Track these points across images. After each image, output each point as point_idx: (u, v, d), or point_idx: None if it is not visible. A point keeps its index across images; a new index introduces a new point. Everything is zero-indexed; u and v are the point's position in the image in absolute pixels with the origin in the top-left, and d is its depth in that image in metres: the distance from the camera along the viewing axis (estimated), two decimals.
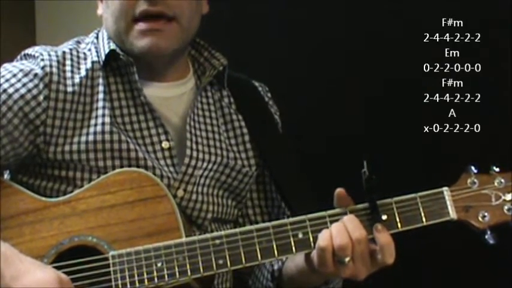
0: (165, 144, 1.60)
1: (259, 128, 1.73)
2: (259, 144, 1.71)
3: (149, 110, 1.61)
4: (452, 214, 1.45)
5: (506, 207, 1.45)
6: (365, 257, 1.41)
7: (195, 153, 1.61)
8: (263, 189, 1.75)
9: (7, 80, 1.54)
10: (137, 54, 1.59)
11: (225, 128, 1.71)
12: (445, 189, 1.46)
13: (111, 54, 1.61)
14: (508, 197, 1.45)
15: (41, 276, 1.34)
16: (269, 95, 1.81)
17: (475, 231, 1.46)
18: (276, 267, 1.59)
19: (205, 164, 1.62)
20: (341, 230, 1.40)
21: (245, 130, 1.72)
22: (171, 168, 1.59)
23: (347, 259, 1.40)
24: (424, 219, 1.45)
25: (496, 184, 1.46)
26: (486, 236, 1.44)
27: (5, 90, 1.52)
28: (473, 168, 1.48)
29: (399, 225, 1.44)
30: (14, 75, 1.55)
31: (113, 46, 1.62)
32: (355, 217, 1.43)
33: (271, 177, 1.71)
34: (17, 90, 1.53)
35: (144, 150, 1.57)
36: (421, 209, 1.45)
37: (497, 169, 1.47)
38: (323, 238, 1.41)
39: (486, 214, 1.45)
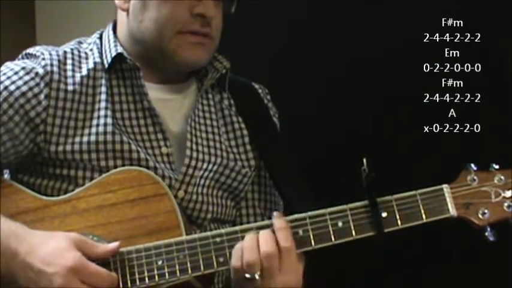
0: (164, 150, 1.60)
1: (259, 130, 1.73)
2: (259, 146, 1.71)
3: (151, 115, 1.61)
4: (452, 211, 1.45)
5: (506, 204, 1.45)
6: (273, 271, 1.40)
7: (195, 154, 1.61)
8: (262, 191, 1.75)
9: (9, 78, 1.55)
10: (178, 63, 1.61)
11: (225, 129, 1.71)
12: (444, 186, 1.46)
13: (117, 57, 1.62)
14: (508, 194, 1.45)
15: (55, 245, 1.37)
16: (268, 97, 1.81)
17: (475, 228, 1.46)
18: None
19: (205, 165, 1.62)
20: (252, 246, 1.41)
21: (245, 132, 1.72)
22: (171, 171, 1.59)
23: (256, 275, 1.40)
24: (424, 216, 1.45)
25: (495, 181, 1.46)
26: (486, 233, 1.44)
27: (6, 88, 1.53)
28: (473, 165, 1.48)
29: (399, 222, 1.44)
30: (16, 73, 1.56)
31: (120, 49, 1.62)
32: (270, 232, 1.43)
33: (271, 178, 1.71)
34: (18, 88, 1.54)
35: (145, 152, 1.58)
36: (421, 206, 1.45)
37: (496, 166, 1.47)
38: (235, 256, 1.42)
39: (486, 211, 1.45)
